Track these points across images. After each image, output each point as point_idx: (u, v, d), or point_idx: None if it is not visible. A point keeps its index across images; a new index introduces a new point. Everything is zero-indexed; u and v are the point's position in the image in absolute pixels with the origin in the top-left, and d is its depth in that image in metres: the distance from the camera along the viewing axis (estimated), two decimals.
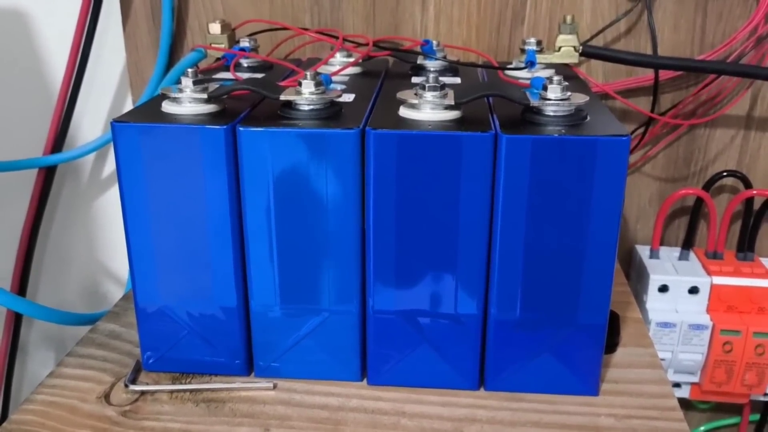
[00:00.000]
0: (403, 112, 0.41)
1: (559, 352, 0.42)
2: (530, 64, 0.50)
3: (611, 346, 0.48)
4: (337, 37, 0.52)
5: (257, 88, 0.42)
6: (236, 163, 0.40)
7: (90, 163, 0.73)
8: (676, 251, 0.64)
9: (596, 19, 0.60)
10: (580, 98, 0.40)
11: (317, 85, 0.41)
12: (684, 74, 0.61)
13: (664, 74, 0.60)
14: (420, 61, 0.55)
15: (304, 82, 0.41)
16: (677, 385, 0.63)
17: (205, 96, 0.41)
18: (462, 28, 0.62)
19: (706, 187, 0.63)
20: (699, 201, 0.63)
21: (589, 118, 0.40)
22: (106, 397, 0.44)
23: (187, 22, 0.64)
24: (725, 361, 0.60)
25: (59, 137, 0.68)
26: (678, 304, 0.60)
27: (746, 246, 0.63)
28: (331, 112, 0.41)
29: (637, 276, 0.64)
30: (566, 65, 0.53)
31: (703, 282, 0.60)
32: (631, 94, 0.62)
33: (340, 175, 0.40)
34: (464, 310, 0.42)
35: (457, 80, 0.52)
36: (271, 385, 0.44)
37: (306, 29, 0.58)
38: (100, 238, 0.76)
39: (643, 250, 0.64)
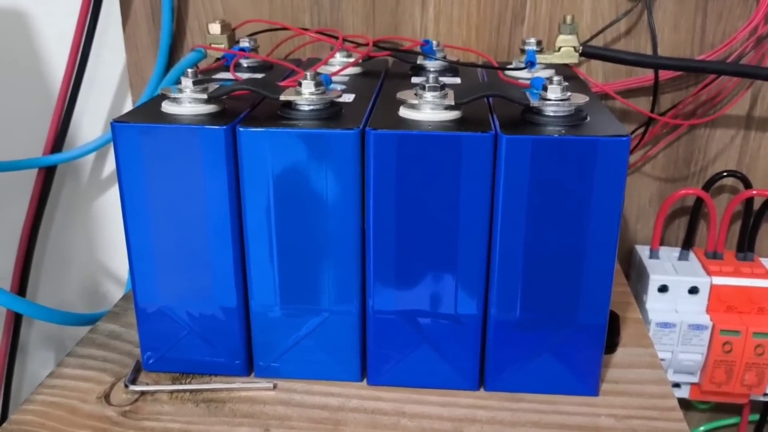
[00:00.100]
0: (403, 112, 0.41)
1: (559, 352, 0.42)
2: (530, 64, 0.50)
3: (611, 346, 0.48)
4: (336, 38, 0.52)
5: (257, 88, 0.42)
6: (236, 163, 0.40)
7: (90, 163, 0.73)
8: (675, 251, 0.64)
9: (596, 19, 0.60)
10: (580, 98, 0.40)
11: (317, 85, 0.41)
12: (684, 74, 0.61)
13: (664, 74, 0.60)
14: (420, 61, 0.55)
15: (304, 82, 0.41)
16: (677, 385, 0.63)
17: (205, 96, 0.41)
18: (462, 28, 0.62)
19: (706, 187, 0.63)
20: (699, 201, 0.63)
21: (589, 118, 0.40)
22: (106, 397, 0.44)
23: (187, 22, 0.64)
24: (725, 362, 0.60)
25: (59, 137, 0.68)
26: (678, 304, 0.60)
27: (746, 246, 0.63)
28: (331, 113, 0.41)
29: (637, 276, 0.64)
30: (566, 65, 0.53)
31: (703, 282, 0.60)
32: (631, 94, 0.62)
33: (340, 175, 0.40)
34: (464, 311, 0.42)
35: (457, 80, 0.51)
36: (271, 385, 0.44)
37: (306, 29, 0.58)
38: (100, 238, 0.76)
39: (643, 250, 0.64)
